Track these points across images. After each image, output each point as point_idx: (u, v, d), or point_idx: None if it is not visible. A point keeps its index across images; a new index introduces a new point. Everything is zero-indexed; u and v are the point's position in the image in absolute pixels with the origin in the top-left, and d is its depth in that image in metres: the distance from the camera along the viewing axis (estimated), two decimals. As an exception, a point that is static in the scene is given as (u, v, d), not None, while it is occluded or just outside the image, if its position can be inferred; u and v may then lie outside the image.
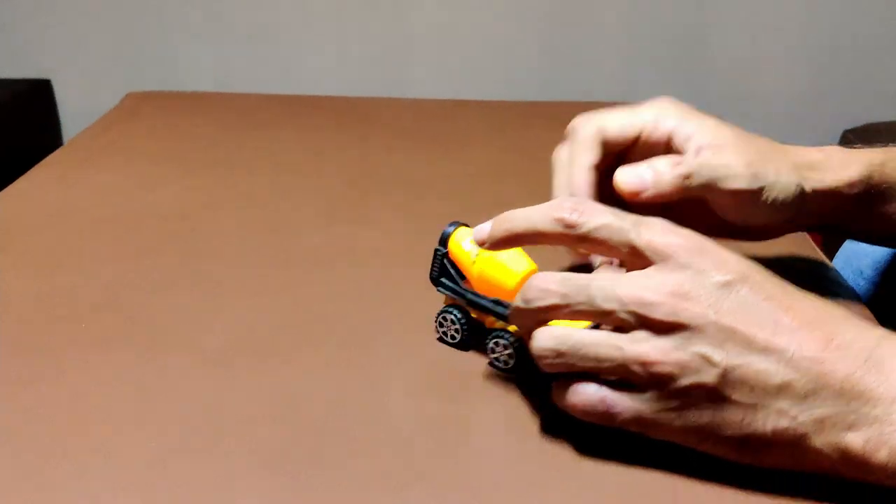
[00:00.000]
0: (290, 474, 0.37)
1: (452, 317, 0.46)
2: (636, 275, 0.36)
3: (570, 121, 0.50)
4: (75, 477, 0.37)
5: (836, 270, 0.60)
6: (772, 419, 0.33)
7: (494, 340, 0.44)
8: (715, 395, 0.34)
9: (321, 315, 0.51)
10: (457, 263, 0.46)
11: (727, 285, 0.34)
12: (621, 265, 0.44)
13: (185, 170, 0.77)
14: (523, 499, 0.36)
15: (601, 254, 0.40)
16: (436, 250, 0.45)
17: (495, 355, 0.44)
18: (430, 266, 0.47)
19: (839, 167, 0.47)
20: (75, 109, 2.12)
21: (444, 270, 0.46)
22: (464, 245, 0.45)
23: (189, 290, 0.54)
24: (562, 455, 0.39)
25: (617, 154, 0.48)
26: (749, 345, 0.33)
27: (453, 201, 0.70)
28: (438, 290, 0.47)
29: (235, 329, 0.49)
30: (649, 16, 2.08)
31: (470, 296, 0.45)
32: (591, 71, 2.11)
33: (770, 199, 0.45)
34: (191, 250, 0.60)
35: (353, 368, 0.45)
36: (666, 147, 0.47)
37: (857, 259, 0.68)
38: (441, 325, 0.47)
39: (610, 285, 0.36)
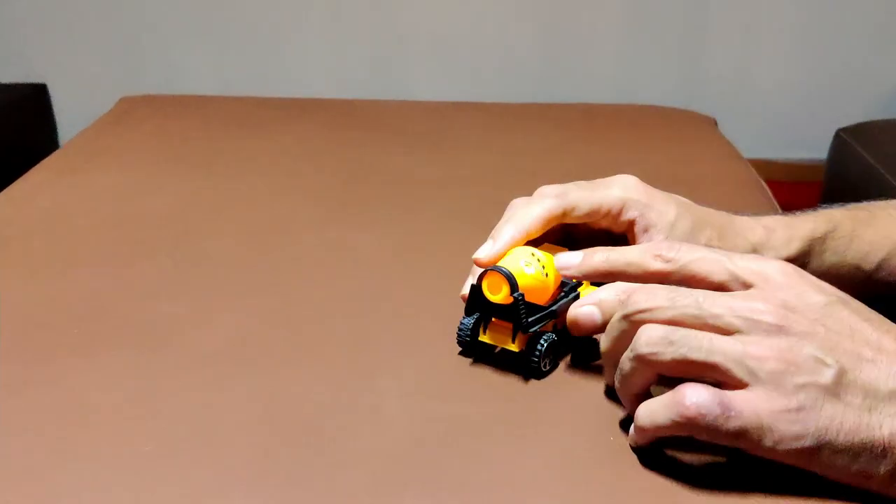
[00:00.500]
0: (284, 478, 0.37)
1: (554, 340, 0.44)
2: (740, 294, 0.37)
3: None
4: (68, 481, 0.37)
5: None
6: (888, 423, 0.33)
7: (543, 344, 0.44)
8: (831, 395, 0.34)
9: (316, 318, 0.51)
10: (523, 288, 0.43)
11: (829, 305, 0.36)
12: None
13: (180, 173, 0.76)
14: (521, 501, 0.36)
15: (694, 286, 0.38)
16: (516, 297, 0.43)
17: (546, 359, 0.44)
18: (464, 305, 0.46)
19: (781, 246, 0.50)
20: (71, 113, 2.11)
21: (532, 309, 0.44)
22: (526, 270, 0.44)
23: (183, 294, 0.54)
24: (560, 457, 0.39)
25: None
26: (857, 356, 0.34)
27: (450, 204, 0.70)
28: (532, 330, 0.43)
29: (230, 332, 0.49)
30: (645, 18, 2.09)
31: (554, 307, 0.44)
32: (588, 73, 2.11)
33: None
34: (185, 253, 0.60)
35: (348, 371, 0.45)
36: (626, 229, 0.48)
37: None
38: (545, 355, 0.44)
39: (721, 298, 0.36)
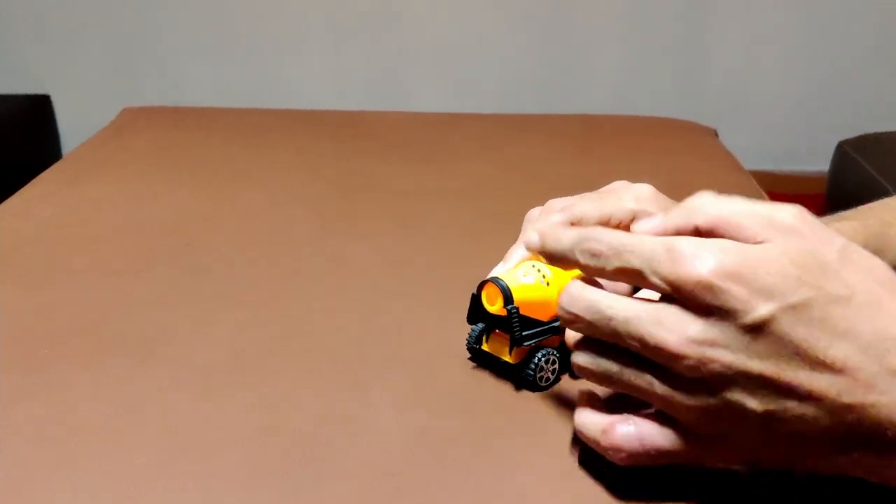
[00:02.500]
0: (278, 490, 0.37)
1: (554, 357, 0.44)
2: (664, 310, 0.33)
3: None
4: (61, 492, 0.37)
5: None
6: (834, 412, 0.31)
7: (546, 358, 0.44)
8: (759, 425, 0.32)
9: (312, 330, 0.51)
10: (519, 303, 0.43)
11: (757, 329, 0.31)
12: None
13: (181, 184, 0.77)
14: (519, 515, 0.36)
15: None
16: (509, 309, 0.43)
17: (541, 373, 0.44)
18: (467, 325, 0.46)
19: None
20: (74, 124, 2.12)
21: (527, 323, 0.44)
22: (523, 280, 0.43)
23: (181, 305, 0.54)
24: (554, 471, 0.38)
25: None
26: (784, 395, 0.31)
27: (448, 215, 0.70)
28: (527, 344, 0.43)
29: (226, 343, 0.49)
30: (646, 29, 2.09)
31: (556, 323, 0.44)
32: (588, 83, 2.12)
33: None
34: (184, 265, 0.60)
35: (343, 383, 0.45)
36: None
37: None
38: (539, 370, 0.44)
39: (635, 325, 0.33)
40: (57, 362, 0.47)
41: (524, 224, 0.49)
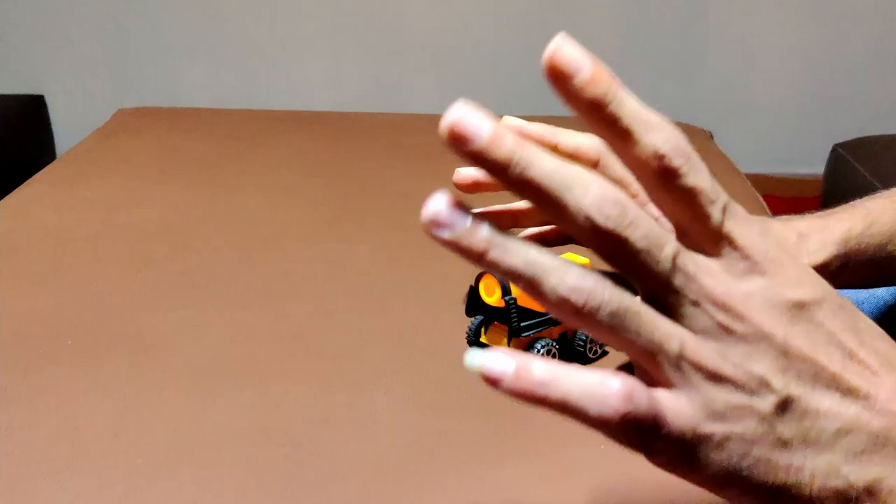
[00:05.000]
0: (275, 489, 0.37)
1: (553, 348, 0.44)
2: (716, 262, 0.29)
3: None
4: (60, 492, 0.37)
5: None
6: (821, 472, 0.29)
7: (545, 349, 0.44)
8: (765, 426, 0.29)
9: (308, 330, 0.51)
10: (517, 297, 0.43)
11: (801, 306, 0.30)
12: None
13: (176, 185, 0.76)
14: (517, 518, 0.36)
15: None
16: (507, 300, 0.42)
17: None
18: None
19: (816, 251, 0.48)
20: (69, 125, 2.12)
21: (525, 314, 0.43)
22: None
23: (177, 306, 0.54)
24: (550, 467, 0.38)
25: None
26: (815, 376, 0.30)
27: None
28: (525, 335, 0.43)
29: (223, 344, 0.49)
30: (643, 32, 2.10)
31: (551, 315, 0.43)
32: (583, 86, 2.12)
33: None
34: (179, 265, 0.60)
35: (340, 384, 0.45)
36: None
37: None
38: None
39: (693, 259, 0.29)
40: (53, 363, 0.47)
41: None
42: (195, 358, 0.48)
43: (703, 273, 0.29)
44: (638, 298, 0.29)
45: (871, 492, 0.29)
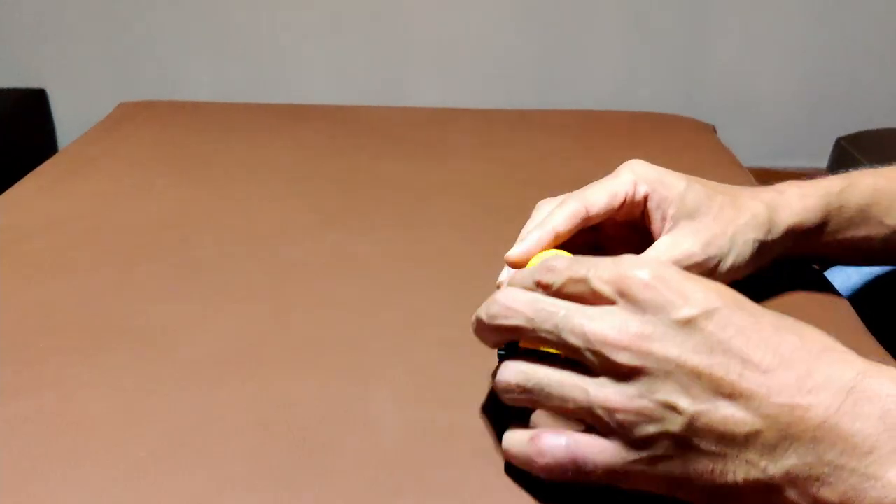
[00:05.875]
0: (278, 483, 0.37)
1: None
2: (605, 311, 0.34)
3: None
4: (63, 486, 0.37)
5: (823, 274, 0.60)
6: (742, 470, 0.31)
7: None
8: (682, 443, 0.32)
9: (312, 324, 0.51)
10: None
11: (690, 323, 0.32)
12: None
13: (178, 179, 0.76)
14: (518, 512, 0.36)
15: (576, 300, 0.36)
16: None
17: None
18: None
19: (795, 201, 0.49)
20: (70, 118, 2.12)
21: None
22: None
23: (180, 299, 0.54)
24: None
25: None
26: (716, 389, 0.31)
27: (448, 211, 0.70)
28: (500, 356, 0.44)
29: (226, 337, 0.49)
30: (646, 26, 2.09)
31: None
32: (587, 79, 2.11)
33: (726, 268, 0.47)
34: (182, 259, 0.60)
35: (344, 378, 0.45)
36: (643, 209, 0.48)
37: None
38: None
39: (579, 318, 0.34)
40: (55, 356, 0.47)
41: (534, 212, 0.48)
42: (199, 350, 0.48)
43: (595, 325, 0.33)
44: (553, 368, 0.35)
45: (790, 480, 0.31)
